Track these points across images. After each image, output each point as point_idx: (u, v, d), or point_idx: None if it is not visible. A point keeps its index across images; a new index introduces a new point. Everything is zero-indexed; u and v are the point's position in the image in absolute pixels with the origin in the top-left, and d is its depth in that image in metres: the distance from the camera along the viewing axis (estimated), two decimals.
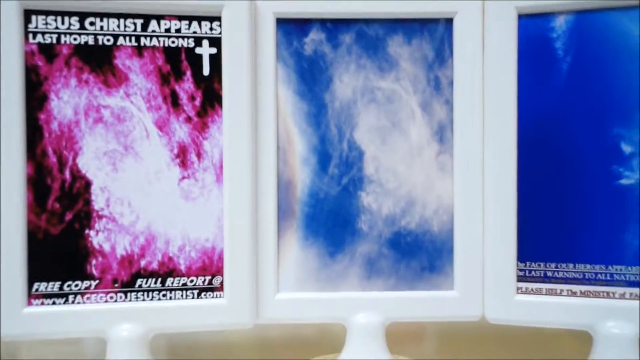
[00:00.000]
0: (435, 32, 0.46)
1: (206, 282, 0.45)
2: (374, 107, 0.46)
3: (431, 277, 0.47)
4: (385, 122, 0.46)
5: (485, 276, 0.45)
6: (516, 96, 0.44)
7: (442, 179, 0.46)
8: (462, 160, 0.46)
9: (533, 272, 0.45)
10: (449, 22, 0.46)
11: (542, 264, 0.45)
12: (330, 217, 0.46)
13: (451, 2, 0.46)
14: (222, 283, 0.45)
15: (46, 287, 0.43)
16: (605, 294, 0.43)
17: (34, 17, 0.42)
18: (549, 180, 0.44)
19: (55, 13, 0.42)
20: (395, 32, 0.46)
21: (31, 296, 0.42)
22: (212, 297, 0.45)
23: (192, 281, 0.44)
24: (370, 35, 0.46)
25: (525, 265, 0.45)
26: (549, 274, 0.45)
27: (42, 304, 0.42)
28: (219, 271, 0.45)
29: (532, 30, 0.44)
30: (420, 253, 0.46)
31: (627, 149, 0.42)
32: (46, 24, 0.42)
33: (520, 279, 0.45)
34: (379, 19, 0.46)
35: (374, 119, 0.46)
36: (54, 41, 0.42)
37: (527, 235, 0.45)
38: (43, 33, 0.42)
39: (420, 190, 0.46)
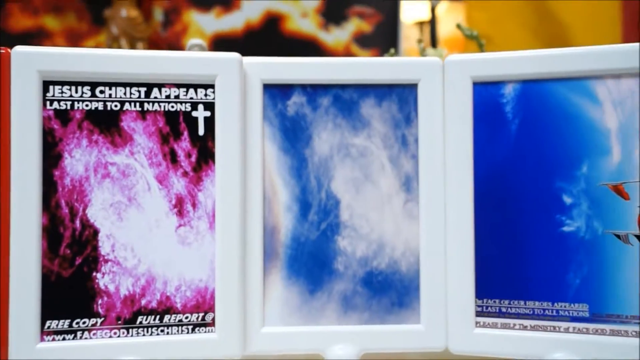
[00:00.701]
0: (402, 95, 0.52)
1: (199, 319, 0.50)
2: (348, 161, 0.52)
3: (400, 312, 0.52)
4: (358, 174, 0.52)
5: (448, 311, 0.51)
6: (472, 152, 0.51)
7: (409, 224, 0.52)
8: (426, 208, 0.52)
9: (489, 308, 0.51)
10: (414, 87, 0.52)
11: (497, 301, 0.50)
12: (310, 258, 0.52)
13: (416, 70, 0.52)
14: (213, 319, 0.50)
15: (57, 325, 0.48)
16: (552, 327, 0.49)
17: (51, 87, 0.49)
18: (502, 226, 0.50)
19: (70, 83, 0.49)
20: (367, 96, 0.53)
21: (43, 332, 0.48)
22: (205, 331, 0.50)
23: (187, 317, 0.50)
24: (345, 99, 0.53)
25: (483, 302, 0.51)
26: (503, 309, 0.50)
27: (54, 339, 0.48)
28: (211, 308, 0.50)
29: (485, 95, 0.51)
30: (390, 290, 0.52)
31: (567, 200, 0.48)
32: (62, 92, 0.49)
33: (478, 314, 0.51)
34: (353, 84, 0.52)
35: (349, 172, 0.52)
36: (68, 107, 0.49)
37: (484, 274, 0.51)
38: (59, 100, 0.49)
39: (390, 234, 0.52)
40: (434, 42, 1.87)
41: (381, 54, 1.58)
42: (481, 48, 0.95)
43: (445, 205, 0.51)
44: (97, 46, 1.50)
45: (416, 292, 0.52)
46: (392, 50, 0.98)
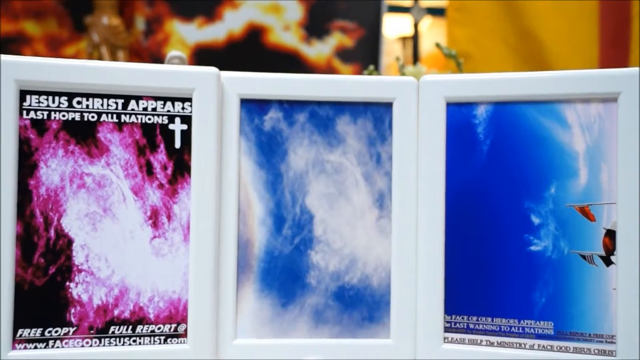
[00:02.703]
0: (377, 114, 0.54)
1: (172, 329, 0.51)
2: (323, 176, 0.53)
3: (371, 326, 0.53)
4: (332, 190, 0.53)
5: (417, 326, 0.52)
6: (444, 170, 0.52)
7: (382, 240, 0.53)
8: (399, 224, 0.53)
9: (458, 324, 0.52)
10: (389, 105, 0.53)
11: (465, 317, 0.51)
12: (284, 272, 0.53)
13: (391, 89, 0.53)
14: (186, 330, 0.51)
15: (29, 333, 0.48)
16: (518, 344, 0.50)
17: (28, 96, 0.49)
18: (471, 244, 0.51)
19: (47, 93, 0.49)
20: (343, 113, 0.54)
21: (15, 341, 0.48)
22: (177, 342, 0.50)
23: (159, 328, 0.50)
24: (322, 115, 0.53)
25: (451, 318, 0.52)
26: (471, 325, 0.51)
27: (25, 348, 0.48)
28: (184, 319, 0.51)
29: (458, 116, 0.52)
30: (361, 305, 0.53)
31: (535, 220, 0.50)
32: (39, 102, 0.49)
33: (447, 329, 0.52)
34: (329, 101, 0.53)
35: (323, 187, 0.53)
36: (45, 117, 0.49)
37: (453, 291, 0.52)
38: (36, 110, 0.49)
39: (362, 250, 0.53)
40: (415, 58, 1.89)
41: (363, 69, 1.59)
42: (459, 67, 0.97)
43: (417, 222, 0.52)
44: (77, 53, 1.49)
45: (387, 307, 0.53)
46: (372, 67, 1.00)
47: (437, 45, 0.97)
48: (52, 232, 0.49)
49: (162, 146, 0.51)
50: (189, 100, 0.51)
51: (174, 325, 0.51)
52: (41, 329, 0.49)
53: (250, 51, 1.58)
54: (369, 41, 1.64)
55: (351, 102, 0.53)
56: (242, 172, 0.53)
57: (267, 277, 0.53)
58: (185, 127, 0.51)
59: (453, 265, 0.52)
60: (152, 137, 0.51)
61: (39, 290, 0.49)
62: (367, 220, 0.53)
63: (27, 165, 0.49)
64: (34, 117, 0.49)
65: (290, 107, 0.53)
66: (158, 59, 1.52)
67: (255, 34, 1.59)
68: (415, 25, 1.91)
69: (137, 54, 1.52)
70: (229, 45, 1.57)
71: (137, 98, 0.51)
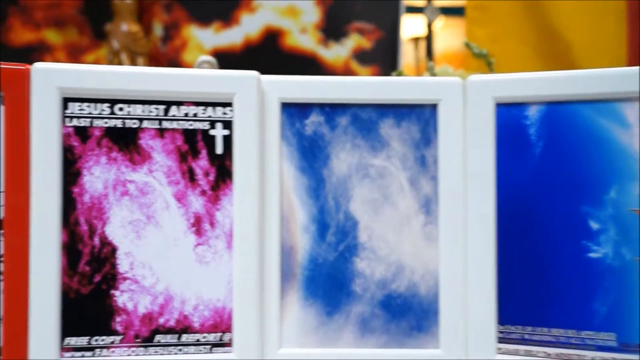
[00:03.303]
0: (422, 116, 0.52)
1: (217, 338, 0.50)
2: (367, 181, 0.52)
3: (419, 336, 0.52)
4: (377, 195, 0.52)
5: (468, 337, 0.51)
6: (495, 174, 0.50)
7: (429, 247, 0.52)
8: (446, 230, 0.51)
9: (512, 334, 0.50)
10: (434, 107, 0.52)
11: (519, 327, 0.50)
12: (328, 280, 0.52)
13: (436, 90, 0.52)
14: (231, 339, 0.50)
15: (76, 342, 0.48)
16: (577, 356, 0.48)
17: (70, 104, 0.48)
18: (525, 251, 0.50)
19: (89, 100, 0.49)
20: (386, 116, 0.52)
21: (63, 349, 0.47)
22: (223, 352, 0.50)
23: (204, 337, 0.50)
24: (364, 118, 0.52)
25: (505, 328, 0.50)
26: (526, 336, 0.50)
27: (72, 356, 0.48)
28: (229, 328, 0.50)
29: (507, 117, 0.50)
30: (409, 314, 0.52)
31: (594, 225, 0.48)
32: (81, 109, 0.49)
33: (500, 340, 0.50)
34: (372, 104, 0.52)
35: (367, 192, 0.52)
36: (88, 124, 0.49)
37: (506, 300, 0.50)
38: (78, 117, 0.49)
39: (409, 257, 0.52)
40: (429, 59, 1.87)
41: (381, 71, 1.58)
42: (490, 67, 0.95)
43: (465, 228, 0.51)
44: (97, 60, 1.50)
45: (435, 316, 0.51)
46: (400, 69, 0.98)
47: (467, 44, 0.95)
48: (96, 240, 0.48)
49: (204, 152, 0.50)
50: (230, 105, 0.51)
51: (219, 334, 0.50)
52: (87, 338, 0.48)
53: (267, 55, 1.57)
54: (387, 43, 1.63)
55: (395, 105, 0.52)
56: (284, 178, 0.52)
57: (311, 285, 0.52)
58: (226, 132, 0.51)
59: (505, 273, 0.50)
60: (193, 143, 0.50)
61: (85, 298, 0.48)
62: (413, 226, 0.52)
63: (71, 173, 0.48)
64: (77, 124, 0.49)
65: (331, 110, 0.52)
66: (176, 64, 1.52)
67: (272, 37, 1.59)
68: (429, 26, 1.89)
69: (155, 60, 1.52)
70: (246, 49, 1.56)
71: (179, 104, 0.50)
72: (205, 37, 1.56)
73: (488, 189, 0.50)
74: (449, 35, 1.97)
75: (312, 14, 1.60)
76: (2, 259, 0.47)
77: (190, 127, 0.50)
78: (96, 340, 0.48)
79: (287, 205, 0.52)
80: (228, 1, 1.56)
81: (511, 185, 0.50)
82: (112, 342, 0.48)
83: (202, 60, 0.66)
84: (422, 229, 0.52)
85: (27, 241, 0.47)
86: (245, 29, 1.58)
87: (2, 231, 0.47)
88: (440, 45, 1.93)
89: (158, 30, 1.55)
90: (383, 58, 1.62)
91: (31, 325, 0.47)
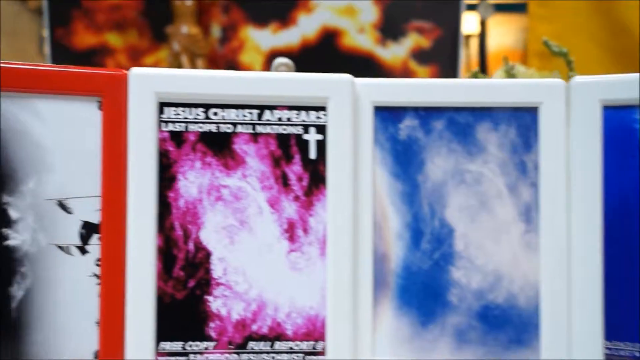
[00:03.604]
0: (521, 119, 0.50)
1: (310, 347, 0.49)
2: (463, 187, 0.50)
3: (518, 350, 0.49)
4: (474, 202, 0.50)
5: (572, 353, 0.48)
6: (602, 181, 0.48)
7: (528, 256, 0.50)
8: (547, 239, 0.49)
9: (621, 352, 0.47)
10: (534, 110, 0.50)
11: (629, 344, 0.47)
12: (422, 289, 0.50)
13: (537, 92, 0.50)
14: (324, 348, 0.49)
15: (171, 346, 0.48)
16: None
17: (166, 109, 0.49)
18: (635, 262, 0.47)
19: (184, 105, 0.49)
20: (484, 119, 0.50)
21: (158, 354, 0.48)
22: None
23: (297, 345, 0.49)
24: (461, 122, 0.51)
25: (612, 344, 0.47)
26: (637, 354, 0.47)
27: None
28: (322, 337, 0.49)
29: (616, 120, 0.48)
30: (507, 326, 0.50)
31: None
32: (176, 114, 0.49)
33: (607, 357, 0.47)
34: (469, 107, 0.50)
35: (464, 199, 0.50)
36: (183, 129, 0.49)
37: (614, 314, 0.47)
38: (174, 122, 0.49)
39: (507, 266, 0.50)
40: (483, 57, 1.82)
41: (440, 71, 1.55)
42: (569, 66, 0.91)
43: (568, 237, 0.49)
44: (156, 63, 1.52)
45: (536, 329, 0.49)
46: (475, 70, 0.95)
47: (545, 42, 0.91)
48: (191, 245, 0.48)
49: (297, 157, 0.50)
50: (324, 109, 0.50)
51: (312, 343, 0.49)
52: (182, 343, 0.48)
53: (324, 55, 1.56)
54: (446, 41, 1.59)
55: (493, 108, 0.50)
56: (377, 184, 0.51)
57: (405, 294, 0.50)
58: (320, 137, 0.50)
59: (613, 285, 0.47)
60: (287, 147, 0.49)
61: (179, 303, 0.48)
62: (512, 234, 0.50)
63: (166, 177, 0.48)
64: (173, 129, 0.49)
65: (426, 114, 0.51)
66: (233, 66, 1.53)
67: (329, 37, 1.58)
68: (482, 23, 1.83)
69: (213, 62, 1.54)
70: (303, 49, 1.56)
71: (272, 108, 0.49)
72: (262, 38, 1.56)
73: (595, 196, 0.48)
74: (500, 33, 1.92)
75: (370, 13, 1.59)
76: (99, 263, 0.48)
77: (284, 132, 0.49)
78: (190, 345, 0.48)
79: (380, 212, 0.51)
80: (285, 1, 1.56)
81: (620, 193, 0.48)
82: (206, 348, 0.48)
83: (280, 63, 0.65)
84: (522, 237, 0.50)
85: (123, 245, 0.48)
86: (303, 29, 1.58)
87: (99, 235, 0.48)
88: (492, 43, 1.88)
89: (216, 31, 1.56)
90: (443, 57, 1.59)
91: (127, 330, 0.48)
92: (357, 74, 0.51)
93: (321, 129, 0.50)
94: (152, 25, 1.56)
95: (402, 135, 0.51)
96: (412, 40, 1.60)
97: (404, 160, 0.51)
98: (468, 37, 1.97)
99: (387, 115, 0.51)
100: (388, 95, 0.51)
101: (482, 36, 1.85)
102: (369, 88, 0.51)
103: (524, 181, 0.50)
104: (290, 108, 0.50)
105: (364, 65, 1.57)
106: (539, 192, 0.50)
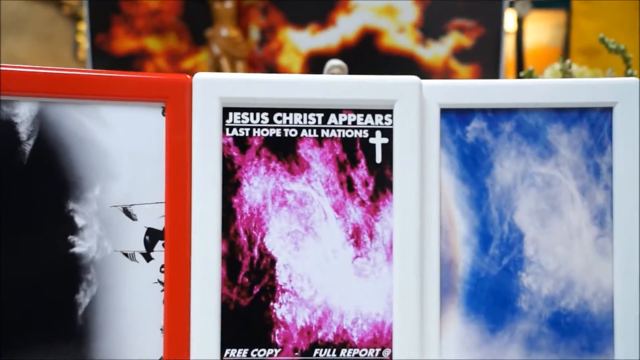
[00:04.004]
0: (594, 120, 0.48)
1: (376, 354, 0.48)
2: (533, 191, 0.49)
3: (591, 358, 0.48)
4: (544, 205, 0.49)
5: None
6: None
7: (601, 262, 0.48)
8: (622, 244, 0.47)
9: None
10: (608, 110, 0.48)
11: None
12: (491, 295, 0.49)
13: (611, 92, 0.48)
14: (391, 355, 0.48)
15: (236, 354, 0.47)
16: None
17: (230, 114, 0.48)
18: None
19: (249, 110, 0.48)
20: (555, 121, 0.49)
21: None
22: None
23: (363, 352, 0.48)
24: (530, 124, 0.49)
25: None
26: None
27: None
28: (388, 344, 0.48)
29: None
30: (580, 334, 0.48)
31: None
32: (240, 119, 0.48)
33: None
34: (539, 108, 0.49)
35: (534, 203, 0.49)
36: (247, 134, 0.48)
37: None
38: (238, 127, 0.48)
39: (580, 272, 0.48)
40: (519, 55, 1.79)
41: (482, 70, 1.52)
42: (627, 63, 0.88)
43: None
44: (195, 66, 1.53)
45: (610, 337, 0.48)
46: (530, 69, 0.92)
47: (602, 39, 0.88)
48: (255, 252, 0.48)
49: (362, 161, 0.49)
50: (390, 112, 0.49)
51: (378, 350, 0.48)
52: (247, 350, 0.48)
53: (364, 55, 1.55)
54: (489, 40, 1.57)
55: (564, 109, 0.49)
56: (444, 187, 0.49)
57: (473, 301, 0.49)
58: (386, 140, 0.49)
59: None
60: (352, 152, 0.49)
61: (244, 310, 0.48)
62: (584, 239, 0.48)
63: (230, 183, 0.48)
64: (237, 134, 0.48)
65: (495, 115, 0.49)
66: (272, 68, 1.53)
67: (368, 37, 1.57)
68: (519, 21, 1.80)
69: (252, 64, 1.54)
70: (342, 50, 1.55)
71: (337, 112, 0.49)
72: (301, 40, 1.56)
73: None
74: (536, 30, 1.88)
75: (410, 13, 1.57)
76: (163, 269, 0.48)
77: (349, 136, 0.49)
78: (255, 352, 0.48)
79: (446, 217, 0.49)
80: (324, 2, 1.56)
81: None
82: (271, 355, 0.48)
83: (333, 65, 0.65)
84: (595, 242, 0.48)
85: (188, 252, 0.48)
86: (342, 30, 1.57)
87: (163, 242, 0.48)
88: (528, 40, 1.85)
89: (255, 34, 1.56)
90: (485, 56, 1.56)
91: (192, 336, 0.47)
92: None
93: (387, 133, 0.49)
94: (191, 29, 1.57)
95: (469, 138, 0.50)
96: (453, 39, 1.58)
97: (472, 163, 0.49)
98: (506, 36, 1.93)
99: (454, 117, 0.50)
100: (455, 97, 0.49)
101: (519, 34, 1.82)
102: (435, 90, 0.49)
103: (597, 184, 0.48)
104: (356, 111, 0.49)
105: (403, 66, 1.55)
106: (613, 196, 0.48)
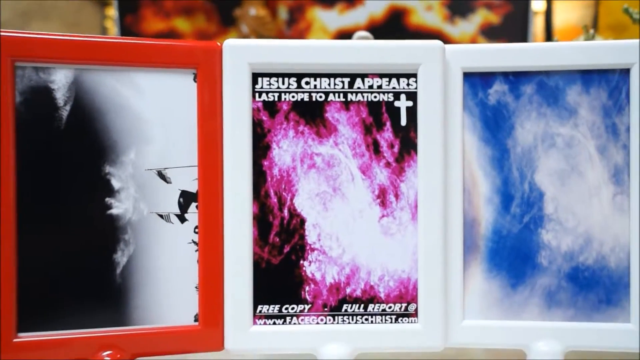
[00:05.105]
0: (612, 81, 0.50)
1: (402, 309, 0.50)
2: (553, 151, 0.50)
3: (608, 310, 0.50)
4: (564, 165, 0.50)
5: None
6: None
7: (619, 219, 0.50)
8: (638, 201, 0.49)
9: None
10: (625, 72, 0.50)
11: None
12: (512, 252, 0.51)
13: (628, 53, 0.49)
14: (416, 310, 0.50)
15: (268, 310, 0.50)
16: None
17: (259, 79, 0.50)
18: None
19: (277, 75, 0.50)
20: (574, 82, 0.50)
21: (256, 316, 0.50)
22: (408, 322, 0.50)
23: (390, 307, 0.50)
24: (550, 86, 0.50)
25: None
26: None
27: (265, 323, 0.50)
28: (414, 299, 0.50)
29: None
30: (597, 287, 0.50)
31: None
32: (269, 84, 0.50)
33: None
34: (559, 71, 0.50)
35: (554, 163, 0.50)
36: (276, 99, 0.50)
37: None
38: (267, 92, 0.50)
39: (598, 229, 0.50)
40: (548, 34, 1.78)
41: None
42: None
43: None
44: None
45: (626, 289, 0.49)
46: (592, 31, 0.92)
47: (626, 10, 0.89)
48: (285, 212, 0.50)
49: (388, 124, 0.50)
50: (414, 76, 0.50)
51: (404, 305, 0.50)
52: (279, 306, 0.50)
53: (392, 34, 1.55)
54: (516, 17, 1.57)
55: (583, 70, 0.50)
56: (467, 149, 0.51)
57: (495, 257, 0.51)
58: (410, 103, 0.50)
59: None
60: (378, 115, 0.50)
61: (276, 268, 0.50)
62: (602, 197, 0.50)
63: (260, 146, 0.50)
64: (266, 99, 0.50)
65: (516, 79, 0.51)
66: None
67: (396, 16, 1.57)
68: (548, 0, 1.79)
69: (283, 40, 1.54)
70: (370, 29, 1.55)
71: (363, 76, 0.50)
72: (329, 19, 1.56)
73: None
74: (565, 9, 1.87)
75: None
76: (197, 230, 0.50)
77: (375, 100, 0.50)
78: (287, 308, 0.50)
79: (469, 177, 0.51)
80: None
81: None
82: (302, 311, 0.50)
83: (360, 36, 0.66)
84: (612, 199, 0.50)
85: (220, 213, 0.50)
86: (370, 8, 1.57)
87: (197, 204, 0.50)
88: (557, 19, 1.84)
89: (283, 13, 1.57)
90: (512, 33, 1.56)
91: (226, 294, 0.50)
92: None
93: (411, 96, 0.50)
94: (219, 9, 1.57)
95: (491, 101, 0.51)
96: (481, 17, 1.57)
97: (493, 125, 0.51)
98: (534, 14, 1.93)
99: (476, 80, 0.51)
100: (477, 60, 0.51)
101: (548, 13, 1.81)
102: (459, 54, 0.51)
103: (615, 144, 0.50)
104: (381, 76, 0.50)
105: None
106: (630, 155, 0.49)
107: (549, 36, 1.76)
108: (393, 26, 1.56)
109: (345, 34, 1.55)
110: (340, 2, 1.55)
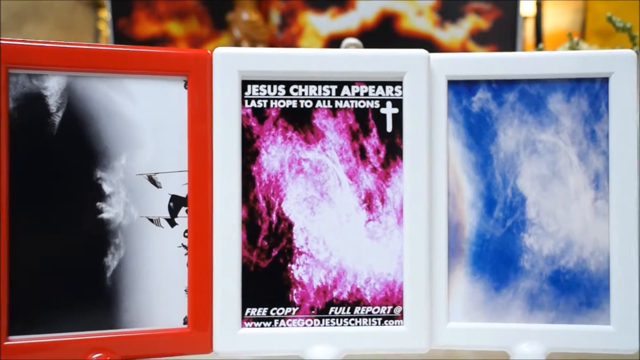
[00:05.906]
0: (592, 90, 0.51)
1: (388, 311, 0.51)
2: (535, 157, 0.52)
3: (589, 312, 0.51)
4: (545, 171, 0.52)
5: None
6: None
7: (599, 223, 0.51)
8: (617, 206, 0.50)
9: None
10: (605, 80, 0.51)
11: None
12: (496, 255, 0.52)
13: (607, 63, 0.51)
14: (402, 312, 0.51)
15: (256, 312, 0.51)
16: None
17: (249, 86, 0.51)
18: None
19: (266, 82, 0.51)
20: (555, 91, 0.52)
21: (244, 319, 0.50)
22: (394, 324, 0.51)
23: (376, 310, 0.51)
24: (532, 94, 0.52)
25: None
26: None
27: (253, 326, 0.51)
28: (399, 302, 0.51)
29: None
30: (578, 290, 0.51)
31: None
32: (259, 91, 0.51)
33: None
34: (540, 79, 0.52)
35: (535, 168, 0.52)
36: (265, 106, 0.51)
37: None
38: (256, 99, 0.51)
39: (578, 232, 0.51)
40: (539, 39, 1.81)
41: (499, 51, 1.54)
42: (633, 41, 0.90)
43: (637, 204, 0.50)
44: None
45: (606, 292, 0.51)
46: (542, 46, 0.94)
47: (609, 18, 0.91)
48: (274, 216, 0.51)
49: (374, 130, 0.51)
50: (400, 84, 0.51)
51: (390, 307, 0.51)
52: (267, 309, 0.51)
53: (383, 38, 1.57)
54: (505, 22, 1.59)
55: (564, 79, 0.52)
56: (451, 155, 0.52)
57: (478, 261, 0.52)
58: (396, 110, 0.52)
59: None
60: (364, 121, 0.51)
61: (264, 271, 0.51)
62: (582, 202, 0.51)
63: (249, 152, 0.51)
64: (255, 105, 0.51)
65: (499, 87, 0.52)
66: None
67: (387, 21, 1.58)
68: (538, 5, 1.81)
69: (272, 48, 1.56)
70: (362, 33, 1.57)
71: (350, 84, 0.51)
72: (321, 24, 1.58)
73: None
74: (555, 14, 1.90)
75: None
76: (187, 234, 0.51)
77: (362, 107, 0.51)
78: (274, 311, 0.51)
79: (454, 182, 0.52)
80: None
81: None
82: (290, 313, 0.51)
83: (349, 43, 0.67)
84: (592, 204, 0.51)
85: (210, 218, 0.51)
86: (361, 13, 1.59)
87: (186, 208, 0.51)
88: (547, 24, 1.86)
89: (275, 17, 1.58)
90: (502, 38, 1.58)
91: (215, 296, 0.50)
92: None
93: (397, 103, 0.52)
94: (212, 14, 1.58)
95: (475, 108, 0.52)
96: (470, 22, 1.59)
97: (477, 131, 0.52)
98: (524, 19, 1.95)
99: (460, 88, 0.52)
100: (461, 69, 0.52)
101: (538, 18, 1.83)
102: (443, 62, 0.52)
103: (595, 150, 0.51)
104: (368, 83, 0.51)
105: (422, 48, 1.57)
106: (610, 160, 0.51)
107: (538, 40, 1.79)
108: (384, 31, 1.57)
109: (336, 39, 1.57)
110: (332, 6, 1.57)
